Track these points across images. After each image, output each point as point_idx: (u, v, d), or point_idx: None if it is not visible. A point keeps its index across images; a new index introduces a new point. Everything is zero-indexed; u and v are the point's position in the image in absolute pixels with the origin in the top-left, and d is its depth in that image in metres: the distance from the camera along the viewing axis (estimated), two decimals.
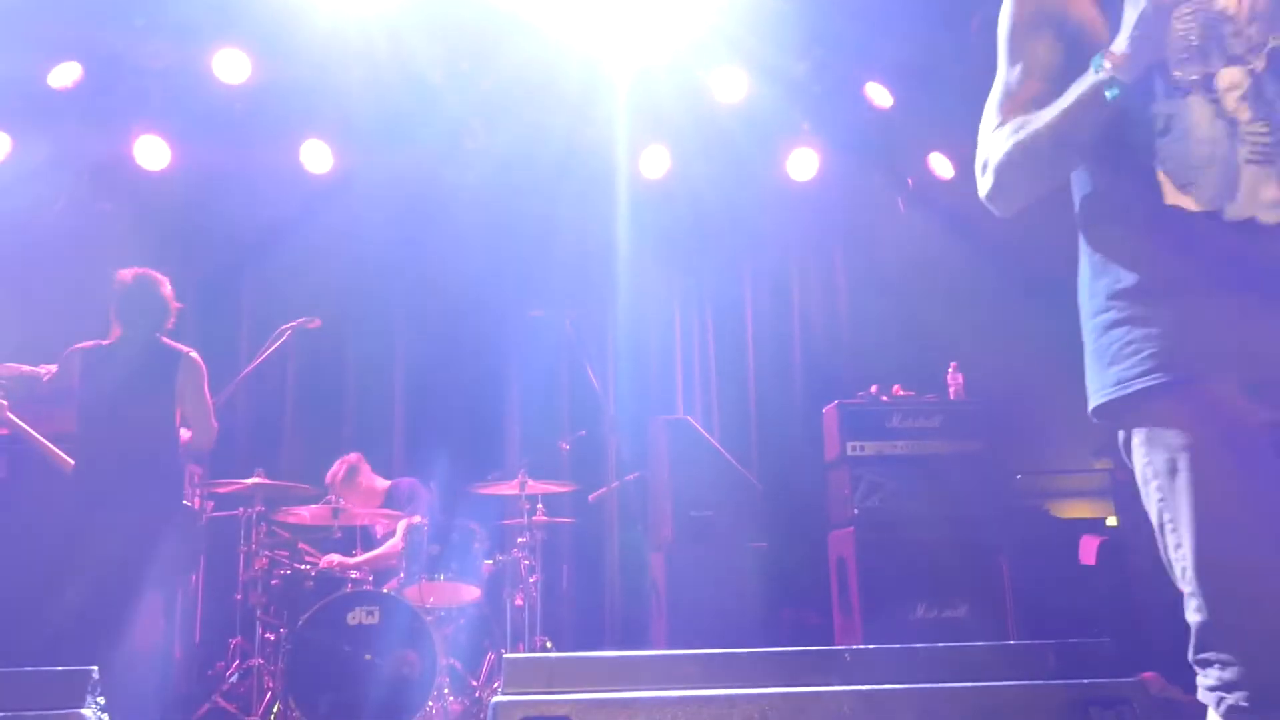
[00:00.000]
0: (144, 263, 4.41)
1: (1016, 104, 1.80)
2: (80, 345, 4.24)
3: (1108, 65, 1.64)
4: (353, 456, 5.73)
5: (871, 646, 1.09)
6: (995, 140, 1.79)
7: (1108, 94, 1.65)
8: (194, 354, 4.29)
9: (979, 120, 1.88)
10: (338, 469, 5.63)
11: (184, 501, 4.44)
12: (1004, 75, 1.85)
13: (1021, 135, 1.75)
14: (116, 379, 4.14)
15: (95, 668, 1.13)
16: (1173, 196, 1.65)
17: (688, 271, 7.25)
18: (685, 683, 1.06)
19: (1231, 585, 1.56)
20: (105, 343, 4.25)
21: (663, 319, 7.18)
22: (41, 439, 4.31)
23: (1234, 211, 1.62)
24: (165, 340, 4.30)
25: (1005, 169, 1.78)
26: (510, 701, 1.02)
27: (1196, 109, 1.65)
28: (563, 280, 6.62)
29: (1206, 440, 1.58)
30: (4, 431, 4.42)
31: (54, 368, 4.26)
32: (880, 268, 7.08)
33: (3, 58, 5.30)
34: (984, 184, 1.82)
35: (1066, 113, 1.70)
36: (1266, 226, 1.61)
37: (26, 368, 4.39)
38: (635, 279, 6.68)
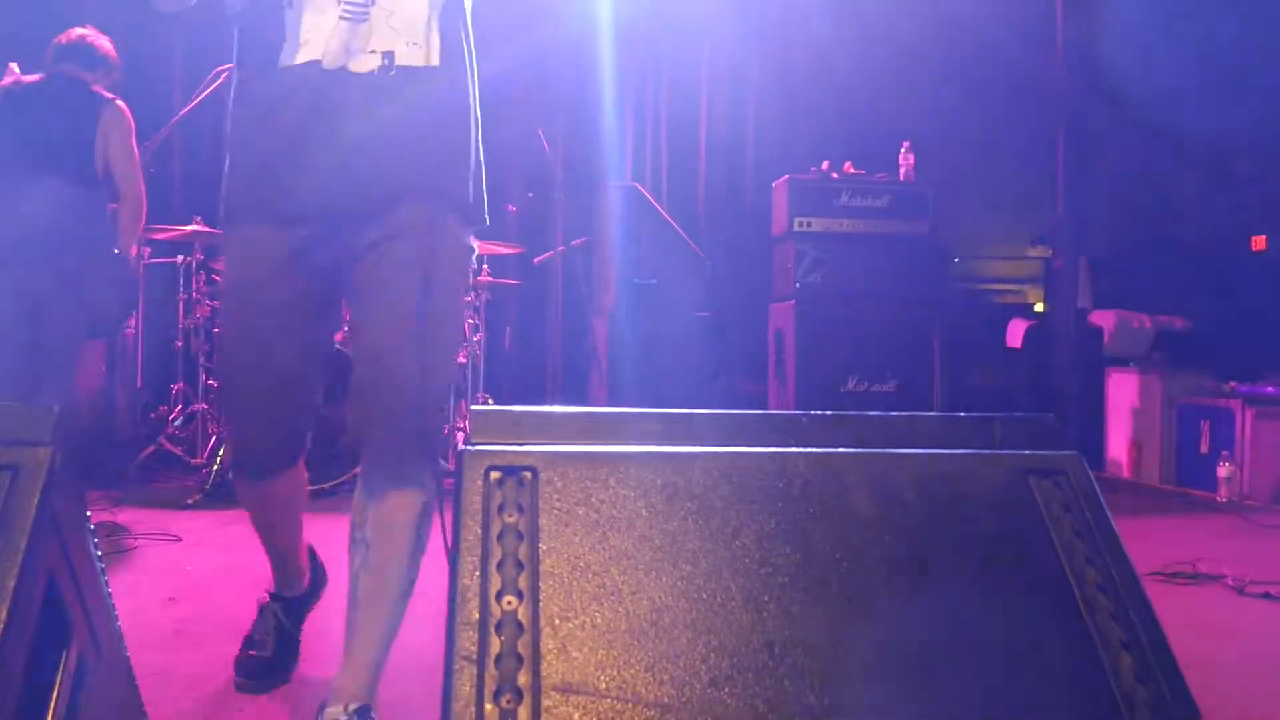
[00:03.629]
0: None
1: None
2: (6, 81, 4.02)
3: None
4: None
5: (829, 412, 1.14)
6: None
7: None
8: (120, 103, 4.08)
9: None
10: None
11: (113, 250, 4.33)
12: None
13: None
14: (35, 115, 3.94)
15: (57, 407, 1.13)
16: (287, 56, 1.86)
17: (643, 35, 6.97)
18: (648, 439, 1.10)
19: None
20: (28, 79, 4.02)
21: (616, 82, 6.95)
22: None
23: (330, 62, 1.83)
24: (93, 86, 4.08)
25: None
26: (477, 451, 1.05)
27: None
28: (514, 38, 6.33)
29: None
30: None
31: None
32: (841, 42, 6.88)
33: None
34: None
35: None
36: (357, 75, 1.85)
37: None
38: (589, 40, 6.42)
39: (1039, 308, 7.29)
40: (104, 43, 4.16)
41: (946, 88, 6.65)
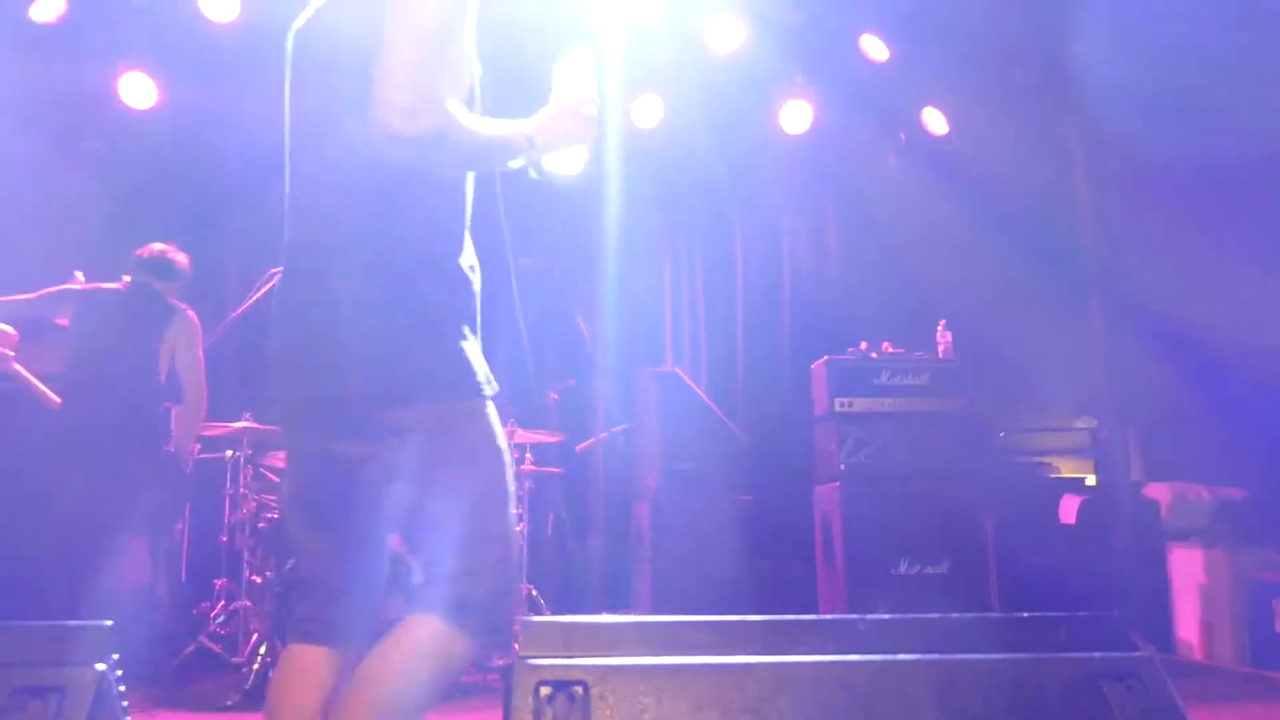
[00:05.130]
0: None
1: (458, 86, 1.92)
2: (77, 285, 4.29)
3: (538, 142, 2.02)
4: None
5: (885, 616, 1.10)
6: (456, 110, 1.85)
7: (531, 173, 2.04)
8: (190, 312, 4.34)
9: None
10: None
11: (167, 449, 4.45)
12: (449, 41, 1.88)
13: (472, 132, 1.89)
14: (108, 322, 4.18)
15: (110, 622, 1.13)
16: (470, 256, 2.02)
17: (678, 222, 7.22)
18: (700, 649, 1.07)
19: None
20: (109, 286, 4.33)
21: (653, 270, 7.16)
22: (32, 378, 4.32)
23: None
24: (168, 297, 4.38)
25: (450, 145, 1.86)
26: (527, 665, 1.02)
27: None
28: (553, 229, 6.58)
29: None
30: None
31: (32, 295, 4.26)
32: (871, 223, 7.08)
33: None
34: (428, 127, 1.80)
35: (493, 150, 1.99)
36: None
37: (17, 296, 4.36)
38: (626, 229, 6.65)
39: (1090, 481, 7.14)
40: (180, 258, 4.54)
41: (977, 263, 6.76)
